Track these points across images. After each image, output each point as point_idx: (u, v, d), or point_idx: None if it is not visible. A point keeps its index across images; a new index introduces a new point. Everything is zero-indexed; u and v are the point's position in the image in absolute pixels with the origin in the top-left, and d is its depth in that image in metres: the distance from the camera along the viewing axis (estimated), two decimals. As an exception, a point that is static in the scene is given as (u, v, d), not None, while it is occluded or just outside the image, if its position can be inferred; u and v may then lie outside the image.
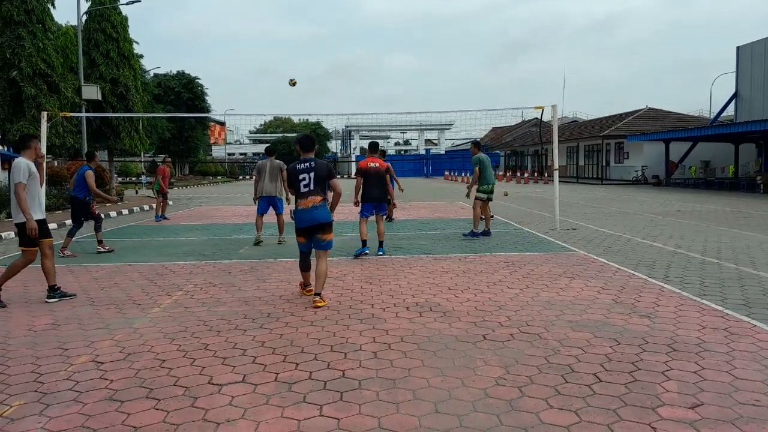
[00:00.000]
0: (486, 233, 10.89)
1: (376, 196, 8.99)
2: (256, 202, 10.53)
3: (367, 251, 8.90)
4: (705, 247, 9.30)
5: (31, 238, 6.04)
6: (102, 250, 9.77)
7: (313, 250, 6.10)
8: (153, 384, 3.86)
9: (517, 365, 4.10)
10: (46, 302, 6.24)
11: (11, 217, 6.31)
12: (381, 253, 8.96)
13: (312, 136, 6.43)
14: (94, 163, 10.21)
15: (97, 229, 10.00)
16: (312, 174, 5.91)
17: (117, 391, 3.74)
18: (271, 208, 10.51)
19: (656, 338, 4.65)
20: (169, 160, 17.50)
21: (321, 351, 4.47)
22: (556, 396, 3.57)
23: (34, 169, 6.17)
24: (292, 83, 14.62)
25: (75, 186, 9.82)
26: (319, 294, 5.90)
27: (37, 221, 6.07)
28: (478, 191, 10.67)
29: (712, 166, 33.66)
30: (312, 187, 5.90)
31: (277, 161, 10.57)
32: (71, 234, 9.75)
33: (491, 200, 10.92)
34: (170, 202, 16.28)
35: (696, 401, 3.46)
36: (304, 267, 6.32)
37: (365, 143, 12.20)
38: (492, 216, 13.61)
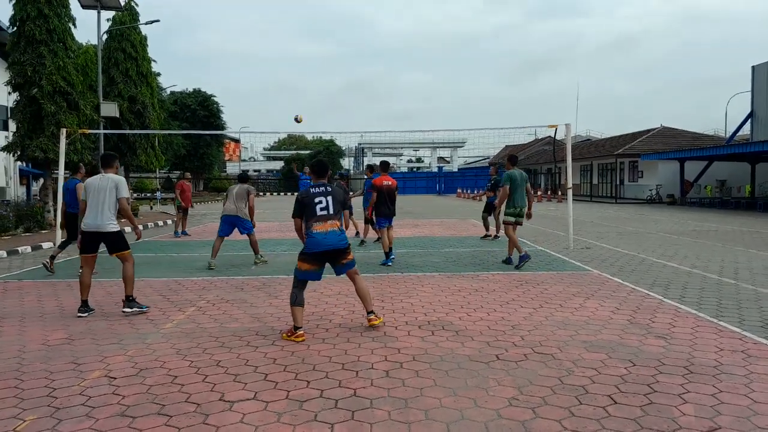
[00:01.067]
0: (508, 261, 9.69)
1: (387, 212, 10.04)
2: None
3: (390, 263, 9.71)
4: (722, 268, 9.18)
5: (123, 244, 6.53)
6: (48, 267, 9.30)
7: (345, 275, 5.75)
8: (165, 400, 3.86)
9: (531, 386, 4.05)
10: (124, 312, 6.38)
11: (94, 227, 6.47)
12: (389, 263, 9.66)
13: (325, 162, 6.13)
14: (79, 175, 9.79)
15: (63, 246, 9.66)
16: (330, 198, 5.57)
17: (129, 407, 3.75)
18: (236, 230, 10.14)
19: (672, 360, 4.58)
20: (189, 175, 17.72)
21: (332, 369, 4.45)
22: (570, 418, 3.52)
23: None
24: (298, 120, 14.76)
25: (70, 201, 9.38)
26: (372, 312, 5.70)
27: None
28: (505, 213, 9.63)
29: (728, 185, 33.33)
30: (331, 211, 5.53)
31: (247, 185, 10.39)
32: (63, 248, 9.68)
33: (520, 224, 9.60)
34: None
35: (713, 425, 3.39)
36: (299, 301, 5.42)
37: (377, 160, 12.38)
38: (497, 236, 13.60)
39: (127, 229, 13.81)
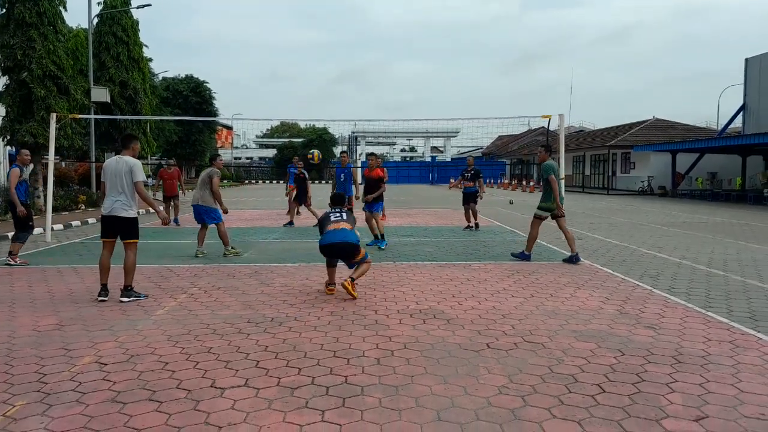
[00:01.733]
0: (526, 257, 9.05)
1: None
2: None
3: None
4: (711, 259, 9.26)
5: (135, 232, 6.46)
6: (13, 263, 8.59)
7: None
8: (155, 386, 3.86)
9: (521, 374, 4.08)
10: (122, 301, 6.26)
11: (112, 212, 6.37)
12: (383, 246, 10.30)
13: (342, 195, 7.52)
14: (19, 159, 9.00)
15: (19, 239, 8.76)
16: (344, 214, 6.81)
17: (120, 393, 3.74)
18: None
19: (661, 350, 4.63)
20: (172, 162, 17.28)
21: (324, 356, 4.46)
22: (559, 406, 3.55)
23: None
24: (312, 157, 14.56)
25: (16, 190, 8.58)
26: (353, 278, 6.44)
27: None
28: (542, 207, 8.96)
29: (719, 177, 33.52)
30: (344, 217, 6.75)
31: (210, 169, 9.54)
32: (22, 240, 8.82)
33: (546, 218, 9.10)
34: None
35: (701, 414, 3.44)
36: (331, 263, 6.76)
37: (371, 149, 12.32)
38: (476, 225, 13.58)
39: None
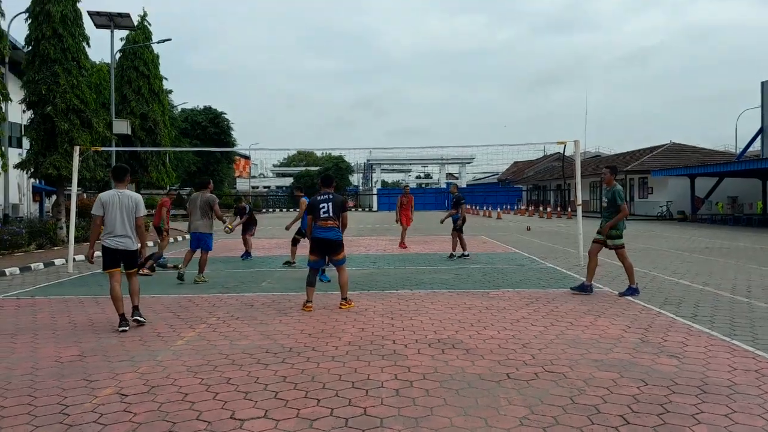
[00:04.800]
0: (589, 289, 8.47)
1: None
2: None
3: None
4: (734, 285, 9.10)
5: (136, 261, 6.83)
6: None
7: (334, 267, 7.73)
8: (176, 417, 3.88)
9: (542, 405, 4.03)
10: (135, 320, 6.61)
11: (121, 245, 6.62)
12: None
13: (330, 175, 8.17)
14: None
15: None
16: (330, 204, 7.46)
17: (140, 425, 3.76)
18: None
19: (685, 379, 4.54)
20: (173, 191, 16.78)
21: (342, 387, 4.45)
22: (582, 438, 3.49)
23: None
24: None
25: None
26: (345, 299, 7.54)
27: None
28: (614, 236, 8.28)
29: (739, 201, 33.09)
30: (330, 213, 7.44)
31: (210, 195, 9.99)
32: None
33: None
34: (172, 240, 16.09)
35: (728, 446, 3.35)
36: (311, 282, 7.51)
37: (386, 177, 12.10)
38: (462, 254, 13.29)
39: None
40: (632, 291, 8.18)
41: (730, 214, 31.26)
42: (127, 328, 6.39)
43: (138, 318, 6.62)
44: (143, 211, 6.72)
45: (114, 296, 6.52)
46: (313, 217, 7.51)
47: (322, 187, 7.79)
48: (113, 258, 6.60)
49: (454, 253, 13.51)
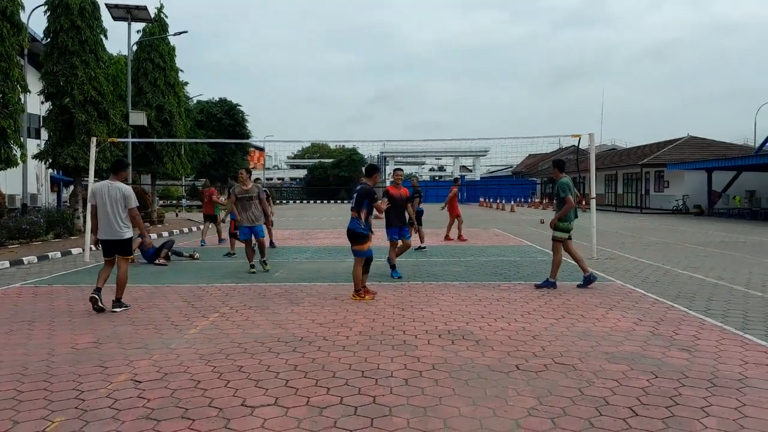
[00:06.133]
0: (551, 284, 8.37)
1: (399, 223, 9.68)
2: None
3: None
4: (749, 280, 9.00)
5: (130, 250, 7.18)
6: None
7: None
8: (188, 404, 3.94)
9: (551, 396, 4.04)
10: (113, 311, 6.88)
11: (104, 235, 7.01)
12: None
13: (374, 165, 8.24)
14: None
15: None
16: (355, 195, 7.69)
17: (154, 410, 3.83)
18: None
19: (696, 372, 4.53)
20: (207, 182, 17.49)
21: (352, 376, 4.49)
22: (589, 429, 3.50)
23: None
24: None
25: None
26: (356, 291, 7.55)
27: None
28: (560, 229, 8.35)
29: (757, 195, 32.60)
30: (353, 204, 7.64)
31: (258, 186, 10.75)
32: None
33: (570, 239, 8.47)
34: (210, 226, 16.31)
35: (737, 439, 3.35)
36: (364, 270, 7.63)
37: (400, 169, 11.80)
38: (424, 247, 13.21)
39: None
40: (550, 284, 8.33)
41: (747, 208, 30.81)
42: (96, 298, 6.82)
43: (114, 309, 6.95)
44: (134, 203, 7.04)
45: (100, 273, 7.07)
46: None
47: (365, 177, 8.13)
48: (105, 248, 7.09)
49: (423, 245, 13.34)
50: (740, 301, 7.34)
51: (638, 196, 39.91)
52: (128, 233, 7.06)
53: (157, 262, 11.25)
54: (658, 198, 37.96)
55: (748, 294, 7.85)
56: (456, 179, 19.97)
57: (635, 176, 40.86)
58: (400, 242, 9.64)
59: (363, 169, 8.09)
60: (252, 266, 10.06)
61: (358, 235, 7.52)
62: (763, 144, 34.37)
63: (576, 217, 8.49)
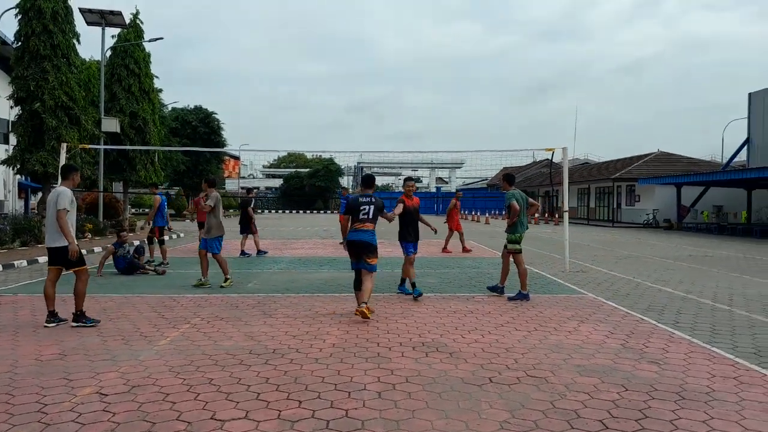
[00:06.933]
0: (499, 289, 8.83)
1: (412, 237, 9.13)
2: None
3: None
4: (716, 294, 9.20)
5: (73, 260, 6.44)
6: None
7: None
8: (155, 418, 3.85)
9: (523, 409, 4.05)
10: (72, 326, 6.45)
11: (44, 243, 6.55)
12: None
13: (371, 175, 7.86)
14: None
15: None
16: (372, 207, 7.19)
17: (120, 424, 3.73)
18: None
19: (665, 385, 4.59)
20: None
21: (325, 389, 4.44)
22: (561, 442, 3.51)
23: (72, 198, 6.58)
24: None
25: None
26: (365, 302, 6.93)
27: None
28: (511, 241, 8.67)
29: (724, 211, 33.46)
30: (370, 216, 7.17)
31: (213, 195, 9.72)
32: None
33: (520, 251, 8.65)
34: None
35: (704, 452, 3.39)
36: (357, 286, 7.20)
37: (377, 180, 11.76)
38: None
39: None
40: (523, 296, 8.37)
41: (714, 222, 31.59)
42: (54, 324, 6.45)
43: (72, 324, 6.46)
44: (61, 204, 6.33)
45: (44, 294, 6.54)
46: (351, 218, 7.24)
47: (363, 188, 7.61)
48: (50, 256, 6.62)
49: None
50: (708, 315, 7.48)
51: (610, 209, 40.60)
52: (60, 241, 6.40)
53: (142, 271, 11.07)
54: (629, 212, 38.68)
55: (716, 307, 8.01)
56: (457, 191, 20.25)
57: (607, 190, 41.59)
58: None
59: (360, 178, 7.45)
60: (200, 280, 9.57)
61: (375, 248, 7.18)
62: (731, 160, 35.37)
63: (526, 228, 8.84)
